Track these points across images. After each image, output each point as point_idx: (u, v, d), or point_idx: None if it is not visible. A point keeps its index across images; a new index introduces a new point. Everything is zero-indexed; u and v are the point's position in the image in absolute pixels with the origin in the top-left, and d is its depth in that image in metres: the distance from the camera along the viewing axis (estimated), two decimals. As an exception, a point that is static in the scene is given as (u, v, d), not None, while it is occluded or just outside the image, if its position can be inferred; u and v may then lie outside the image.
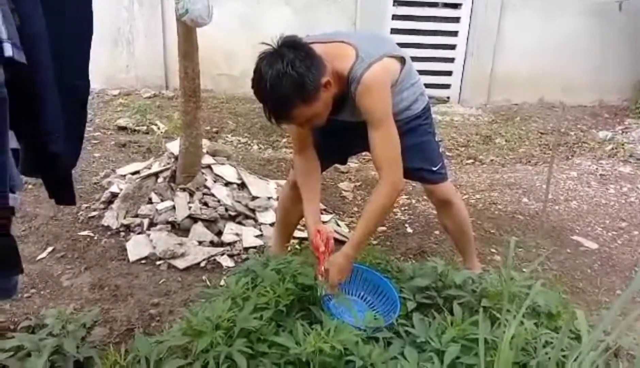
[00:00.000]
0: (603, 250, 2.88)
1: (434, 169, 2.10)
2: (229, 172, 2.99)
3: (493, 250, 2.80)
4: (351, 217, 3.11)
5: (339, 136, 2.00)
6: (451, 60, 5.48)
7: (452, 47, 5.44)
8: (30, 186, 3.07)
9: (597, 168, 4.07)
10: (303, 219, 2.21)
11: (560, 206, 3.40)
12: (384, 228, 2.97)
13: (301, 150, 1.99)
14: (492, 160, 4.24)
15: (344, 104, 1.81)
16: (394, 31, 5.25)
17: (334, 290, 1.80)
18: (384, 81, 1.78)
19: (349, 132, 1.93)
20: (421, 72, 2.11)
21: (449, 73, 5.52)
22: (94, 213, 2.90)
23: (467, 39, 5.39)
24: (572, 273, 2.63)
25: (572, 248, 2.87)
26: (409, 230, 2.99)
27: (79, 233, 2.73)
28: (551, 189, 3.58)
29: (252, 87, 1.68)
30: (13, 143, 1.23)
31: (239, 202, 2.83)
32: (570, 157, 4.33)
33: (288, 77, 1.59)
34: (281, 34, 1.68)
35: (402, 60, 1.88)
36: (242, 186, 2.96)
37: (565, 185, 3.74)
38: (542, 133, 4.77)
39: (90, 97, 4.96)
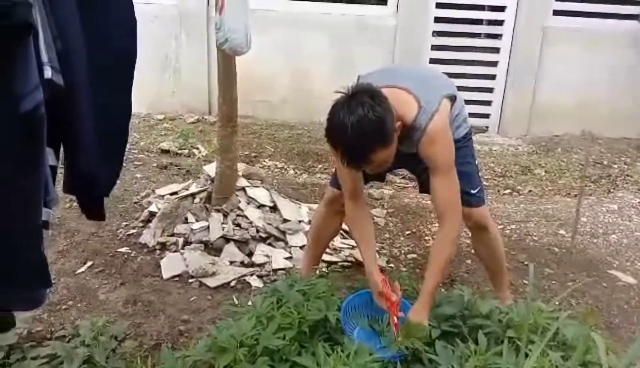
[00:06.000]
0: (642, 285, 2.79)
1: (473, 192, 2.11)
2: (262, 194, 3.05)
3: (525, 282, 2.75)
4: (381, 243, 3.11)
5: None
6: (490, 90, 5.45)
7: (492, 77, 5.42)
8: (75, 203, 3.20)
9: (639, 202, 3.94)
10: (333, 240, 2.19)
11: (598, 240, 3.30)
12: (414, 255, 2.97)
13: (353, 196, 1.99)
14: (530, 191, 4.17)
15: (402, 146, 1.83)
16: (433, 61, 5.27)
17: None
18: (446, 129, 1.84)
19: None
20: (460, 102, 2.15)
21: (488, 103, 5.48)
22: (132, 231, 3.01)
23: (507, 69, 5.36)
24: (608, 308, 2.55)
25: (609, 283, 2.79)
26: (440, 258, 2.97)
27: (117, 250, 2.84)
28: (590, 222, 3.50)
29: (328, 134, 1.69)
30: (51, 160, 1.31)
31: (270, 224, 2.88)
32: (612, 190, 4.21)
33: (370, 121, 1.61)
34: (353, 83, 1.72)
35: (452, 98, 1.92)
36: (274, 208, 3.01)
37: (605, 218, 3.63)
38: (583, 165, 4.66)
39: (136, 121, 5.06)
